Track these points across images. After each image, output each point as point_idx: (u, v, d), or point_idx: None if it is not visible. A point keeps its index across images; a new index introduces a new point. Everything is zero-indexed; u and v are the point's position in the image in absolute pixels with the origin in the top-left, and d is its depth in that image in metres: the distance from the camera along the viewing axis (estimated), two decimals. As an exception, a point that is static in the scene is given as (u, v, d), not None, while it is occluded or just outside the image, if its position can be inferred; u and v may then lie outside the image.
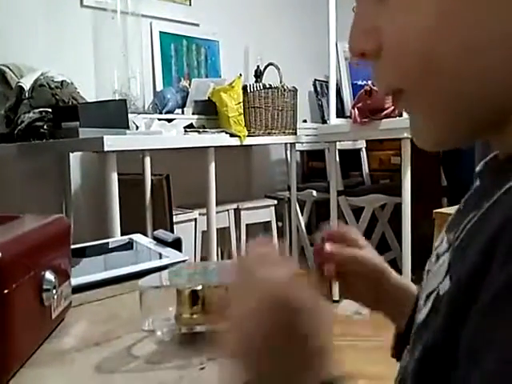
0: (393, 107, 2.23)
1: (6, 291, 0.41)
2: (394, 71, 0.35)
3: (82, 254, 0.86)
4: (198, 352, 0.48)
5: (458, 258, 0.33)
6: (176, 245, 0.86)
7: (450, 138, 0.37)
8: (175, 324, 0.49)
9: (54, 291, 0.50)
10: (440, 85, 0.33)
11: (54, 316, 0.52)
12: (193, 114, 2.68)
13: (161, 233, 0.92)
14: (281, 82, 2.81)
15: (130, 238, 0.96)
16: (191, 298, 0.49)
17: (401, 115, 2.22)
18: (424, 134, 0.37)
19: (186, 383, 0.43)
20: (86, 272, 0.71)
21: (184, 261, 0.78)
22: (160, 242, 0.88)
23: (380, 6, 0.34)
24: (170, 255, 0.80)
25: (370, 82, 2.41)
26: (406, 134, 2.15)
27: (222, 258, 2.90)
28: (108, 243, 0.99)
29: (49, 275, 0.50)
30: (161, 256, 0.81)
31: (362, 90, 2.37)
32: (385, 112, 2.25)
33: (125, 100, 2.21)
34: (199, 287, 0.49)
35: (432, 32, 0.31)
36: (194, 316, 0.49)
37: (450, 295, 0.31)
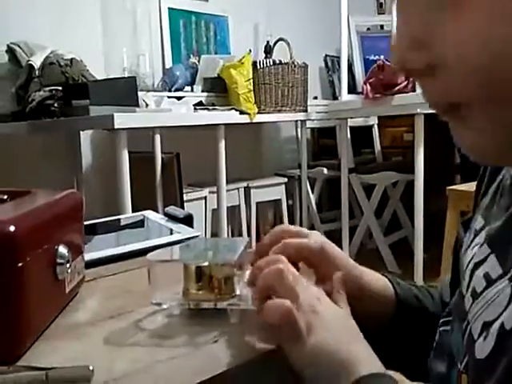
0: (406, 82, 2.20)
1: (20, 264, 0.41)
2: (457, 85, 0.31)
3: (93, 230, 0.86)
4: (208, 326, 0.48)
5: None
6: (187, 221, 0.86)
7: (509, 152, 0.33)
8: (183, 299, 0.49)
9: (68, 265, 0.50)
10: (508, 97, 0.29)
11: (67, 290, 0.52)
12: (202, 91, 2.66)
13: (172, 209, 0.91)
14: (291, 58, 2.77)
15: (142, 215, 0.96)
16: (197, 274, 0.49)
17: (414, 90, 2.18)
18: (482, 148, 0.34)
19: (199, 357, 0.43)
20: (98, 248, 0.71)
21: (196, 236, 0.78)
22: (171, 218, 0.88)
23: (438, 12, 0.29)
24: (182, 231, 0.80)
25: (382, 57, 2.37)
26: (419, 110, 2.12)
27: (233, 236, 2.91)
28: (120, 219, 0.99)
29: (62, 249, 0.49)
30: (172, 232, 0.81)
31: (375, 65, 2.33)
32: (397, 87, 2.21)
33: (134, 77, 2.19)
34: (205, 263, 0.49)
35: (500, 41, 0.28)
36: (200, 292, 0.48)
37: None
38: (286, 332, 0.42)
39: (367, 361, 0.40)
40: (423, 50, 0.30)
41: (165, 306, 0.50)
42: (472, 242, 0.41)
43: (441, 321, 0.47)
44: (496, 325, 0.32)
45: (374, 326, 0.45)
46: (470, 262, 0.40)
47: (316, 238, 0.51)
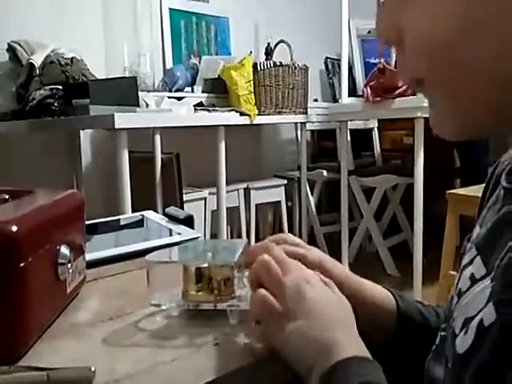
0: (406, 85, 2.20)
1: (21, 264, 0.41)
2: (416, 61, 0.36)
3: (93, 230, 0.86)
4: (208, 327, 0.48)
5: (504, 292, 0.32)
6: (188, 222, 0.86)
7: (468, 129, 0.38)
8: (182, 300, 0.49)
9: (69, 265, 0.50)
10: (461, 76, 0.34)
11: (69, 290, 0.52)
12: (202, 92, 2.66)
13: (172, 210, 0.91)
14: (291, 60, 2.77)
15: (142, 215, 0.96)
16: (196, 276, 0.49)
17: (414, 94, 2.18)
18: (443, 124, 0.38)
19: (201, 358, 0.43)
20: (98, 248, 0.71)
21: (196, 238, 0.78)
22: (172, 218, 0.88)
23: (403, 3, 0.36)
24: (182, 232, 0.80)
25: (383, 60, 2.37)
26: (419, 114, 2.12)
27: (232, 237, 2.91)
28: (119, 220, 0.99)
29: (64, 249, 0.49)
30: (172, 233, 0.81)
31: (375, 68, 2.33)
32: (398, 91, 2.22)
33: (135, 77, 2.19)
34: (205, 265, 0.49)
35: (456, 28, 0.33)
36: (200, 293, 0.49)
37: (497, 336, 0.31)
38: (265, 320, 0.44)
39: (351, 347, 0.41)
40: (394, 31, 0.37)
41: (164, 307, 0.50)
42: (469, 250, 0.42)
43: (442, 326, 0.48)
44: (476, 320, 0.33)
45: (375, 339, 0.45)
46: (461, 266, 0.41)
47: (315, 253, 0.52)
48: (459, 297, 0.38)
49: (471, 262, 0.39)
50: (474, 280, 0.37)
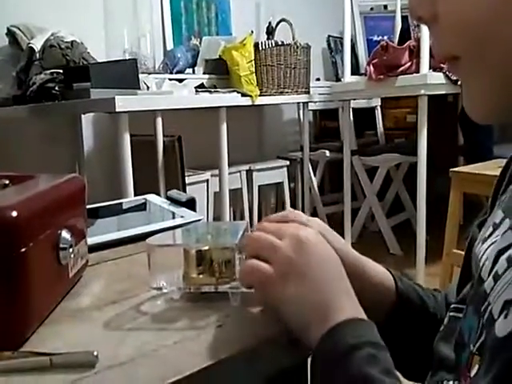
0: (410, 63, 2.17)
1: (22, 250, 0.41)
2: (451, 38, 0.36)
3: (96, 214, 0.86)
4: (210, 310, 0.48)
5: None
6: (190, 205, 0.86)
7: (501, 110, 0.37)
8: (184, 283, 0.49)
9: (71, 250, 0.50)
10: (494, 55, 0.33)
11: (71, 275, 0.52)
12: (204, 73, 2.64)
13: (174, 193, 0.91)
14: (293, 39, 2.74)
15: (144, 198, 0.96)
16: (197, 258, 0.49)
17: (418, 71, 2.15)
18: (476, 104, 0.37)
19: (204, 341, 0.43)
20: (101, 232, 0.71)
21: (198, 220, 0.78)
22: (174, 201, 0.88)
23: None
24: (184, 215, 0.80)
25: (385, 37, 2.34)
26: (422, 91, 2.10)
27: (235, 219, 2.92)
28: (122, 203, 0.99)
29: (65, 234, 0.49)
30: (175, 216, 0.81)
31: (378, 46, 2.30)
32: (401, 68, 2.19)
33: (135, 59, 2.17)
34: (206, 247, 0.49)
35: (495, 5, 0.32)
36: (201, 276, 0.48)
37: None
38: (258, 286, 0.45)
39: (346, 310, 0.41)
40: (428, 7, 0.36)
41: (165, 291, 0.50)
42: (491, 234, 0.41)
43: (452, 306, 0.47)
44: None
45: (374, 317, 0.45)
46: (486, 251, 0.40)
47: (315, 226, 0.50)
48: (495, 280, 0.37)
49: (510, 245, 0.37)
50: (510, 261, 0.36)
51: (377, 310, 0.50)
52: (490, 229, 0.42)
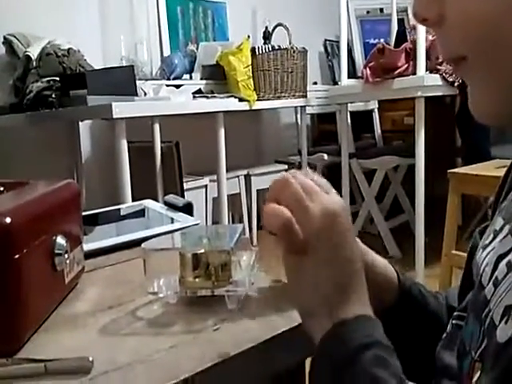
0: (406, 65, 2.17)
1: (16, 256, 0.41)
2: (458, 38, 0.35)
3: (94, 220, 0.86)
4: (206, 313, 0.48)
5: None
6: (187, 209, 0.86)
7: (508, 111, 0.36)
8: (180, 287, 0.49)
9: (66, 256, 0.50)
10: (503, 55, 0.33)
11: (67, 281, 0.52)
12: (201, 79, 2.64)
13: (172, 198, 0.91)
14: (290, 43, 2.75)
15: (142, 204, 0.96)
16: (193, 262, 0.48)
17: (414, 73, 2.16)
18: (482, 105, 0.37)
19: (200, 344, 0.43)
20: (98, 237, 0.71)
21: (195, 224, 0.78)
22: (171, 206, 0.88)
23: None
24: (182, 219, 0.80)
25: (382, 40, 2.34)
26: (419, 93, 2.10)
27: (234, 224, 2.91)
28: (120, 209, 0.98)
29: (60, 240, 0.49)
30: (172, 220, 0.81)
31: (375, 49, 2.30)
32: (398, 70, 2.19)
33: (132, 66, 2.17)
34: (201, 251, 0.48)
35: (504, 6, 0.32)
36: (197, 280, 0.48)
37: None
38: (285, 243, 0.40)
39: (359, 304, 0.40)
40: (436, 4, 0.36)
41: (161, 295, 0.50)
42: (492, 241, 0.41)
43: (455, 314, 0.47)
44: None
45: (375, 308, 0.44)
46: (486, 257, 0.40)
47: (335, 199, 0.44)
48: (495, 285, 0.37)
49: (510, 250, 0.37)
50: (510, 267, 0.35)
51: (380, 300, 0.49)
52: (491, 236, 0.42)
